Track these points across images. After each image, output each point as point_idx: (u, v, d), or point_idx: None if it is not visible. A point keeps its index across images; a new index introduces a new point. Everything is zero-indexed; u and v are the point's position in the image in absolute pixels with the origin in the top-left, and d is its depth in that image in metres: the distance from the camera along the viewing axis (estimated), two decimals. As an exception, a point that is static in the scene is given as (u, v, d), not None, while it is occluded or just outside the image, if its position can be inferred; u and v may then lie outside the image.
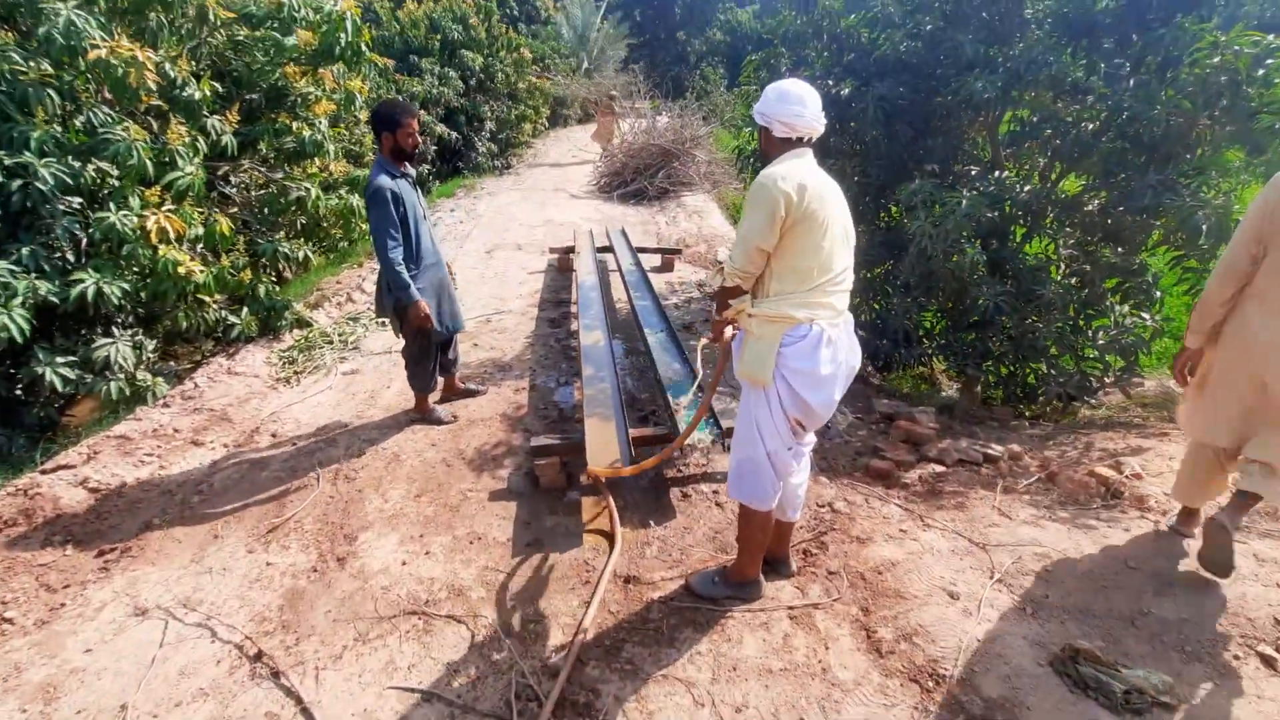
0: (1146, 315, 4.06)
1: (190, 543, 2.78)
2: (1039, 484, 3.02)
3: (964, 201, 3.71)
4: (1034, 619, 2.17)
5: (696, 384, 2.97)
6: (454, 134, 12.56)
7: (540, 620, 2.28)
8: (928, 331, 4.69)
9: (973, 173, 4.44)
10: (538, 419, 3.73)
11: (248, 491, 3.12)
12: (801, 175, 1.85)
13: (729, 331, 2.20)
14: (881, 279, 4.91)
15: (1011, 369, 4.46)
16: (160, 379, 4.89)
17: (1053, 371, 4.17)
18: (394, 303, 3.25)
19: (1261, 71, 3.29)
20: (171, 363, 5.46)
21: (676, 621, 2.24)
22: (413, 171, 3.34)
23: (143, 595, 2.47)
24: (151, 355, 5.24)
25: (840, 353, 1.97)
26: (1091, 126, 4.10)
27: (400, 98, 11.21)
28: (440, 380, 3.79)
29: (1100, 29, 3.96)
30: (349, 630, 2.26)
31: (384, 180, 3.09)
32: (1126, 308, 4.19)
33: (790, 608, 2.28)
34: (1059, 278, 4.22)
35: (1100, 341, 4.04)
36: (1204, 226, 3.36)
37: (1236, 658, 2.00)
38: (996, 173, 4.36)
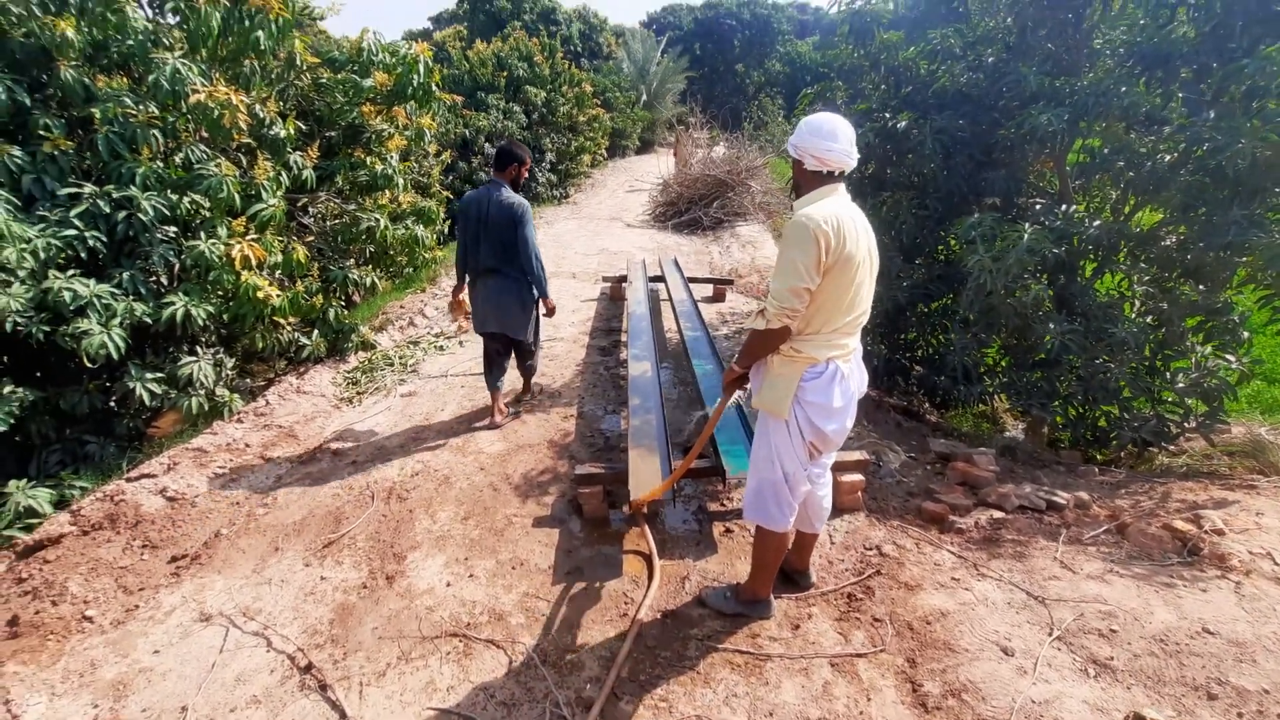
0: (1232, 357, 3.80)
1: (253, 553, 2.93)
2: (1107, 535, 2.84)
3: (1025, 236, 3.59)
4: (1096, 682, 2.03)
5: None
6: (517, 165, 13.00)
7: (577, 650, 2.28)
8: (989, 369, 4.52)
9: (1037, 206, 4.29)
10: (584, 446, 3.77)
11: (308, 506, 3.27)
12: (837, 214, 1.86)
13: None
14: (939, 314, 4.78)
15: (1081, 410, 4.23)
16: (236, 395, 5.21)
17: (1126, 415, 3.94)
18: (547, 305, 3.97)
19: (1357, 102, 3.08)
20: (248, 380, 5.81)
21: (715, 660, 2.21)
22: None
23: (208, 602, 2.62)
24: (230, 373, 5.60)
25: (851, 384, 2.06)
26: (1168, 159, 3.91)
27: (467, 131, 11.76)
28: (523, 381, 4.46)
29: (1176, 58, 3.79)
30: (393, 648, 2.32)
31: (518, 197, 3.75)
32: (1209, 349, 3.94)
33: (833, 656, 2.21)
34: (1133, 315, 4.00)
35: (1180, 384, 3.80)
36: (1295, 264, 3.14)
37: (1331, 740, 1.81)
38: (1064, 206, 4.20)
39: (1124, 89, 3.69)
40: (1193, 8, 3.81)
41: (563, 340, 5.65)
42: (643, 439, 3.15)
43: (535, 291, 3.86)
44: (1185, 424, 3.83)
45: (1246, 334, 3.93)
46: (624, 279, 6.43)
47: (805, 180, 1.98)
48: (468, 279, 3.88)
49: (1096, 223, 4.09)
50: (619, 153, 20.59)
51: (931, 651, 2.20)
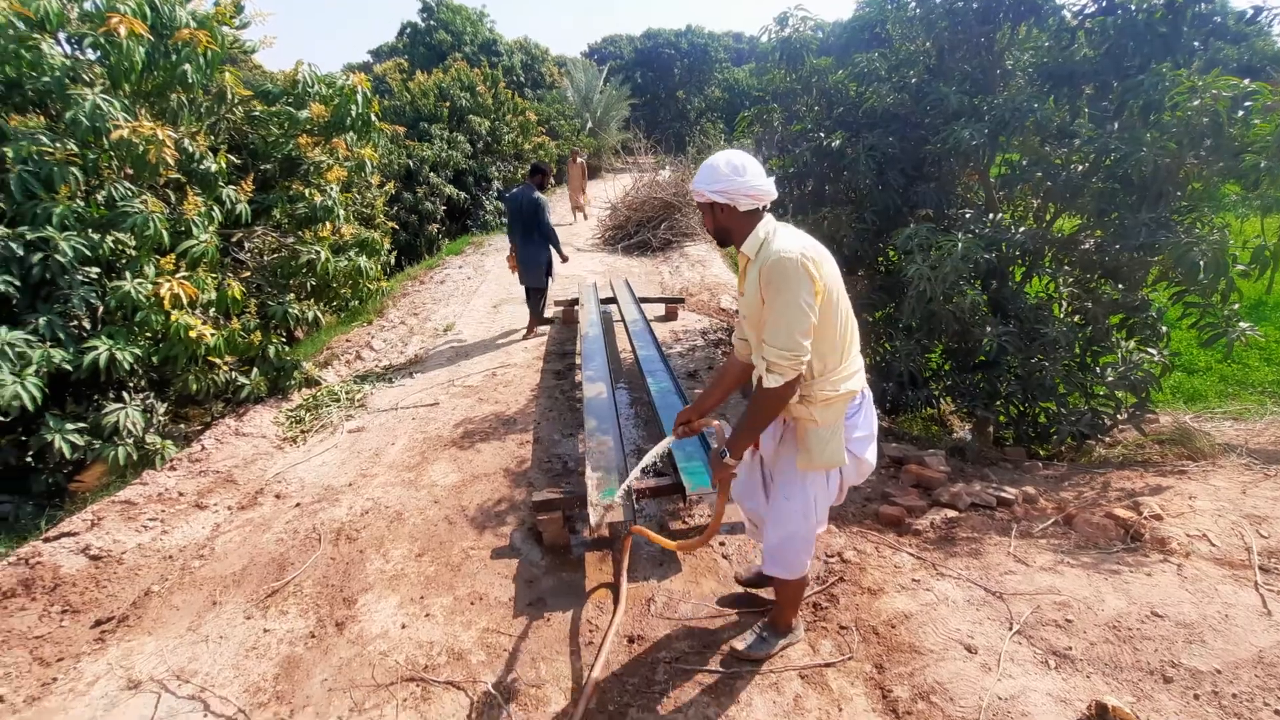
0: (1154, 350, 4.03)
1: (188, 610, 2.74)
2: (1056, 527, 2.93)
3: (959, 244, 3.74)
4: (1057, 673, 2.07)
5: (625, 484, 2.47)
6: (463, 194, 12.95)
7: (541, 685, 2.20)
8: (934, 373, 4.66)
9: (967, 215, 4.49)
10: (541, 473, 3.70)
11: (249, 555, 3.08)
12: (804, 241, 1.83)
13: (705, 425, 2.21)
14: (884, 322, 4.92)
15: (1021, 408, 4.40)
16: (169, 442, 4.93)
17: (1063, 410, 4.11)
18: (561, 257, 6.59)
19: (1241, 113, 3.35)
20: (182, 425, 5.50)
21: (682, 683, 2.16)
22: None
23: (137, 667, 2.42)
24: (163, 418, 5.29)
25: (876, 413, 2.07)
26: (1081, 168, 4.17)
27: (411, 162, 11.62)
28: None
29: (1079, 76, 4.07)
30: (345, 700, 2.19)
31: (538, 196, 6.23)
32: (1133, 344, 4.16)
33: (802, 668, 2.19)
34: (1061, 315, 4.21)
35: (1109, 378, 3.99)
36: (1201, 262, 3.36)
37: (1277, 713, 1.88)
38: (991, 215, 4.41)
39: (1035, 105, 3.92)
40: (1090, 32, 4.10)
41: (516, 365, 5.57)
42: (600, 461, 3.10)
43: (551, 251, 6.36)
44: (1117, 416, 4.02)
45: (1165, 329, 4.18)
46: (576, 302, 6.41)
47: (738, 223, 1.88)
48: (511, 245, 6.30)
49: (1022, 229, 4.31)
50: (565, 180, 20.71)
51: (898, 655, 2.20)
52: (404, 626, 2.52)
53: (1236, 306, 3.57)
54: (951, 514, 3.10)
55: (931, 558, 2.74)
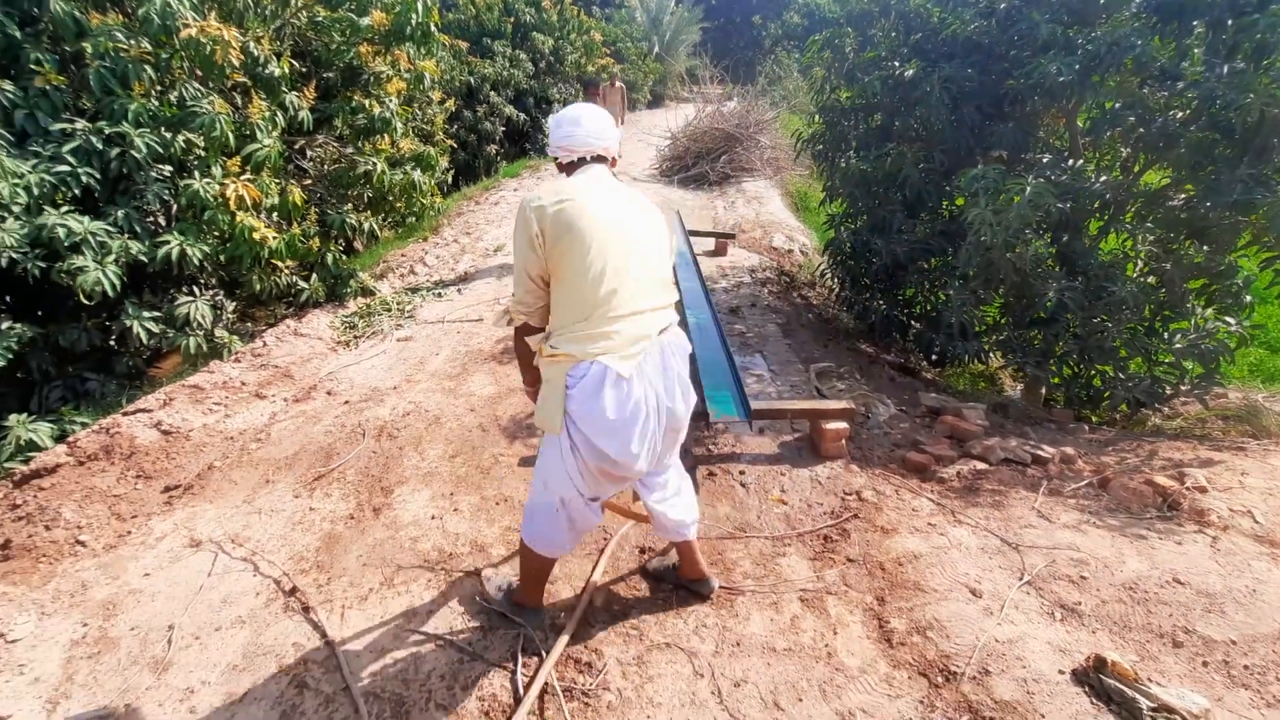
0: (1232, 320, 3.75)
1: (245, 485, 2.99)
2: (1089, 489, 2.85)
3: (1028, 189, 3.51)
4: (1061, 624, 2.07)
5: None
6: (522, 115, 12.79)
7: (554, 580, 2.33)
8: (988, 326, 4.47)
9: (1045, 161, 4.18)
10: (575, 393, 3.79)
11: (300, 442, 3.32)
12: (566, 190, 1.72)
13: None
14: (940, 270, 4.71)
15: (1076, 369, 4.20)
16: (235, 337, 5.25)
17: (1121, 375, 3.91)
18: None
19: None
20: (249, 324, 5.84)
21: (686, 594, 2.26)
22: None
23: (198, 529, 2.69)
24: (231, 316, 5.62)
25: (641, 391, 1.70)
26: (1180, 115, 3.80)
27: (472, 80, 11.50)
28: None
29: (1192, 11, 3.64)
30: (376, 575, 2.38)
31: None
32: (1210, 311, 3.88)
33: (802, 590, 2.25)
34: (1135, 275, 3.94)
35: (1178, 346, 3.76)
36: (1300, 224, 3.06)
37: (1288, 686, 1.84)
38: (1072, 161, 4.09)
39: (1138, 41, 3.55)
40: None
41: (560, 291, 5.63)
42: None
43: None
44: (1180, 386, 3.81)
45: (1249, 299, 3.87)
46: (624, 232, 6.37)
47: (566, 173, 1.87)
48: None
49: (1104, 178, 3.99)
50: (630, 106, 20.12)
51: (901, 591, 2.23)
52: (434, 517, 2.70)
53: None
54: (981, 466, 3.05)
55: (952, 505, 2.72)
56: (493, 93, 11.94)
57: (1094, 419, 4.34)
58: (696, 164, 10.38)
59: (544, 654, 2.00)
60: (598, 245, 1.68)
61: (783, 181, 10.17)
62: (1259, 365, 5.52)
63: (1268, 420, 3.89)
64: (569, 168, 1.87)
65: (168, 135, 4.58)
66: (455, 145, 11.38)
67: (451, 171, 10.42)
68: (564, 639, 2.03)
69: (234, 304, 5.55)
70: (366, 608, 2.24)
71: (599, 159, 1.87)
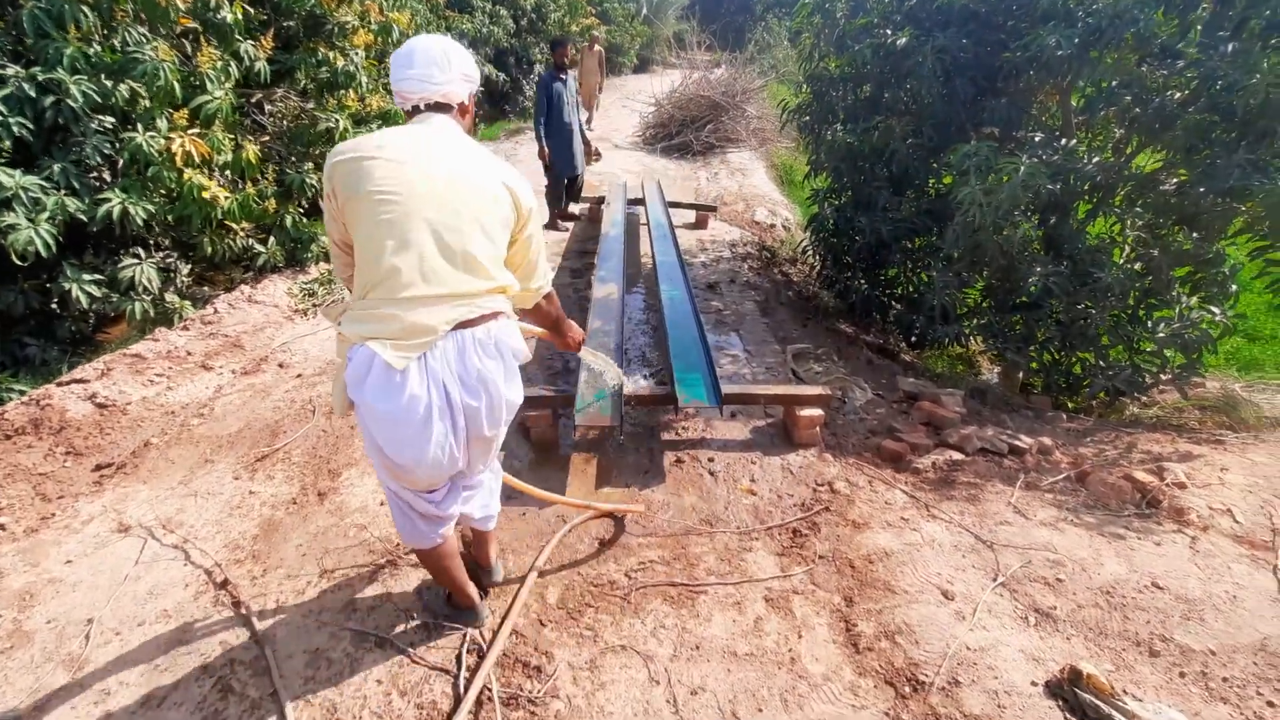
0: (1217, 310, 3.67)
1: (183, 464, 2.80)
2: (1066, 483, 2.77)
3: (1021, 169, 3.36)
4: (1035, 630, 1.98)
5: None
6: (502, 76, 12.30)
7: (506, 575, 2.20)
8: (969, 310, 4.36)
9: (1037, 139, 4.03)
10: (541, 369, 3.63)
11: (246, 418, 3.12)
12: (367, 144, 1.46)
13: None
14: (924, 250, 4.58)
15: (1056, 356, 4.12)
16: (188, 302, 4.97)
17: (1102, 363, 3.83)
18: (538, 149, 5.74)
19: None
20: (205, 288, 5.55)
21: (647, 592, 2.14)
22: (568, 76, 5.81)
23: (129, 512, 2.51)
24: (186, 279, 5.33)
25: (422, 389, 1.45)
26: (1178, 96, 3.66)
27: (449, 35, 10.98)
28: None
29: (1200, -16, 3.47)
30: (316, 566, 2.23)
31: (547, 78, 5.73)
32: (1195, 300, 3.80)
33: (768, 589, 2.14)
34: (1121, 261, 3.83)
35: (1160, 335, 3.68)
36: (1296, 214, 2.96)
37: (1270, 704, 1.77)
38: (1064, 141, 3.94)
39: (1140, 14, 3.38)
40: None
41: (534, 262, 5.41)
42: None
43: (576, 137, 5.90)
44: (1161, 375, 3.74)
45: (1235, 287, 3.80)
46: (603, 200, 6.13)
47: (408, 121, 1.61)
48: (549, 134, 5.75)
49: (1096, 159, 3.86)
50: (614, 70, 19.54)
51: (870, 591, 2.13)
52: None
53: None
54: (957, 457, 2.95)
55: (926, 498, 2.62)
56: (470, 50, 11.45)
57: (1070, 405, 4.29)
58: (681, 132, 10.08)
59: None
60: (387, 213, 1.42)
61: (768, 153, 9.93)
62: (1235, 353, 5.51)
63: (1246, 412, 3.85)
64: (410, 115, 1.59)
65: (108, 84, 4.25)
66: (431, 105, 10.90)
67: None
68: (500, 641, 1.90)
69: (189, 267, 5.26)
70: (303, 603, 2.08)
71: (440, 108, 1.57)
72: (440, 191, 1.46)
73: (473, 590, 1.96)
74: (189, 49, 4.79)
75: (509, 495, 2.61)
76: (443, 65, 1.54)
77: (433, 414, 1.48)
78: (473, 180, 1.50)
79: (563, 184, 6.11)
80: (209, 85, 4.51)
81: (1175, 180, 3.80)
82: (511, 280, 1.62)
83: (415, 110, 1.57)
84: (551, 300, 1.87)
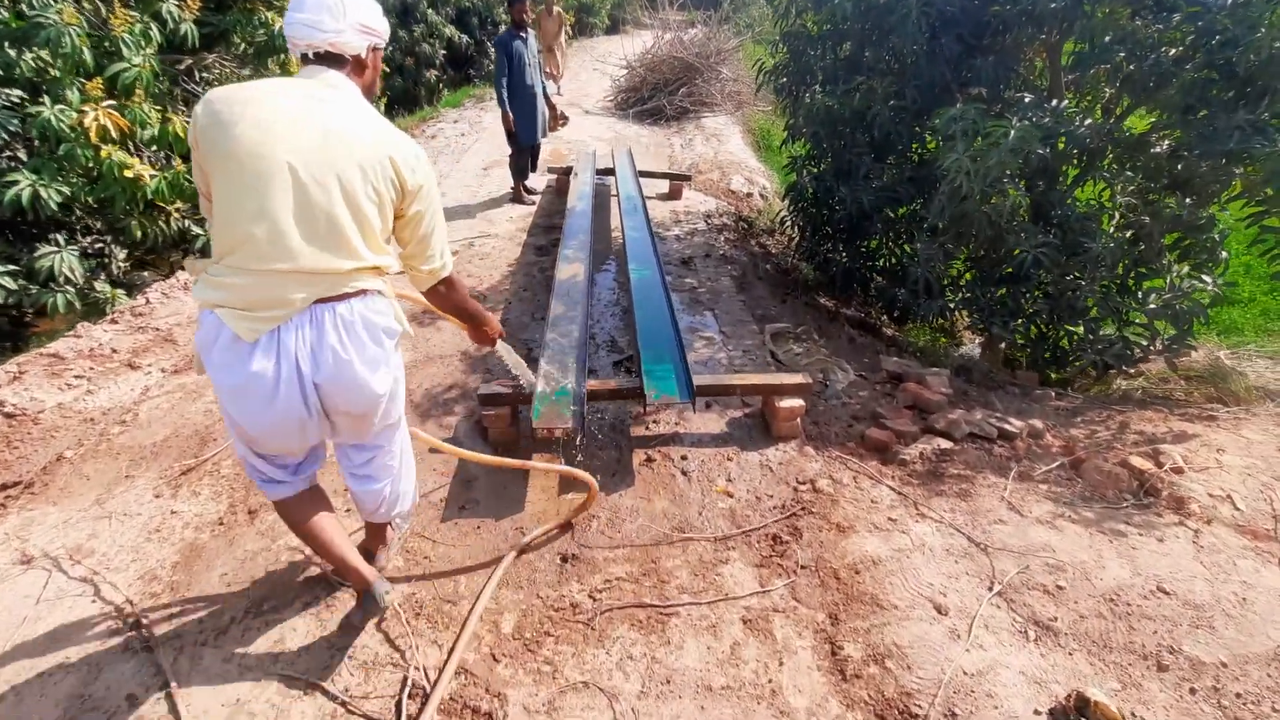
0: (1208, 278, 3.52)
1: (99, 481, 2.52)
2: (1060, 472, 2.61)
3: (1012, 133, 3.13)
4: (1036, 647, 1.82)
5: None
6: (465, 37, 11.72)
7: (457, 601, 1.99)
8: (953, 282, 4.17)
9: (1026, 100, 3.79)
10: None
11: (173, 425, 2.84)
12: (237, 95, 1.34)
13: None
14: (906, 220, 4.35)
15: (1043, 330, 3.96)
16: (121, 291, 4.60)
17: (1091, 336, 3.68)
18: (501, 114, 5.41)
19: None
20: (147, 273, 5.16)
21: (613, 616, 1.94)
22: (528, 34, 5.40)
23: (33, 540, 2.23)
24: (123, 266, 4.93)
25: (269, 364, 1.37)
26: (1174, 52, 3.43)
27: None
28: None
29: (1202, -74, 3.22)
30: (242, 599, 1.99)
31: (505, 37, 5.31)
32: (1185, 268, 3.65)
33: (746, 608, 1.95)
34: (1111, 229, 3.65)
35: (1151, 306, 3.53)
36: (1300, 178, 2.78)
37: (1283, 716, 1.63)
38: (1055, 102, 3.71)
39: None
40: None
41: (497, 237, 5.10)
42: (558, 354, 2.75)
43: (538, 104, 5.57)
44: (1150, 347, 3.60)
45: (1225, 254, 3.65)
46: (570, 171, 5.79)
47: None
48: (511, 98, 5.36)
49: (1088, 122, 3.63)
50: (585, 31, 18.81)
51: (857, 607, 1.95)
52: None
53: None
54: (945, 445, 2.77)
55: (914, 495, 2.44)
56: (430, 10, 10.83)
57: (1055, 377, 4.14)
58: (653, 96, 9.66)
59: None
60: (247, 177, 1.31)
61: (744, 117, 9.58)
62: (1215, 316, 5.41)
63: (1234, 383, 3.73)
64: (300, 63, 1.46)
65: (11, 53, 3.82)
66: (389, 69, 10.35)
67: (384, 98, 9.49)
68: (444, 683, 1.69)
69: (125, 253, 4.87)
70: (225, 643, 1.85)
71: (330, 59, 1.42)
72: (309, 157, 1.34)
73: (365, 569, 1.75)
74: (103, 12, 4.34)
75: (462, 505, 2.39)
76: (335, 12, 1.38)
77: (279, 388, 1.40)
78: (350, 146, 1.37)
79: (526, 154, 5.76)
80: (125, 51, 4.08)
81: (1168, 142, 3.60)
82: (388, 260, 1.51)
83: (305, 60, 1.44)
84: (453, 286, 1.73)
